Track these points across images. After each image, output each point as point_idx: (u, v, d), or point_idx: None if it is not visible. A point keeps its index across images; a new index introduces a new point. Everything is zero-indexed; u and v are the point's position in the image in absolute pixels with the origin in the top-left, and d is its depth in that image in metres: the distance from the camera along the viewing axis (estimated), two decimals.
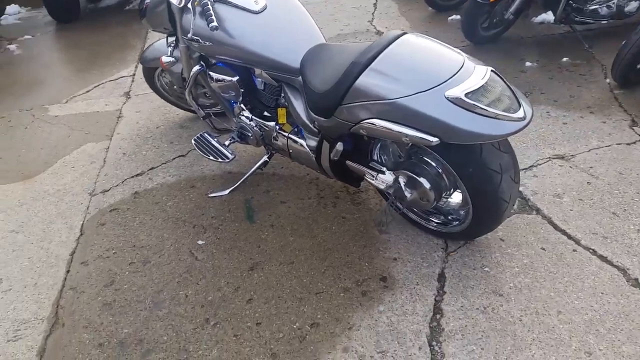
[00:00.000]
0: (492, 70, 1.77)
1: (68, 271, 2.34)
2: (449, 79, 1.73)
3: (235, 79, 2.44)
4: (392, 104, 1.78)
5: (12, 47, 5.29)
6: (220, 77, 2.48)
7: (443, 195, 2.07)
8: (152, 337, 1.97)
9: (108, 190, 2.87)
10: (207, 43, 2.33)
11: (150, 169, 3.01)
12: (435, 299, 2.00)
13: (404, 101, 1.76)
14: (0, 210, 2.80)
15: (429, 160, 2.03)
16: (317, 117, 2.08)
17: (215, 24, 2.14)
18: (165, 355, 1.90)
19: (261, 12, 2.31)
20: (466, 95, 1.68)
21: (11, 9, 6.17)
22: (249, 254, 2.31)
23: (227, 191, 2.72)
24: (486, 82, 1.72)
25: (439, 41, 1.93)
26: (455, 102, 1.69)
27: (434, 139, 1.73)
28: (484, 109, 1.68)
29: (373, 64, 1.86)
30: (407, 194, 2.05)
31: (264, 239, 2.39)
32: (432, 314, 1.95)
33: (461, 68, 1.76)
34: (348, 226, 2.40)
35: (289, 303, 2.05)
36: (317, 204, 2.57)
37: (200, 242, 2.42)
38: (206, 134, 2.72)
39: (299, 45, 2.25)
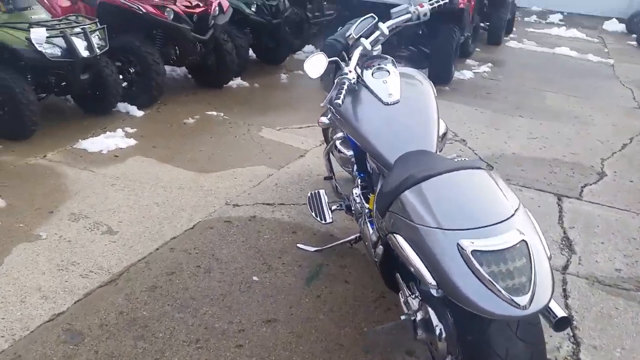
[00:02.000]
0: (524, 241, 1.51)
1: (157, 249, 2.78)
2: (474, 228, 1.56)
3: (349, 154, 2.56)
4: (413, 229, 1.68)
5: (284, 76, 6.35)
6: (342, 149, 2.63)
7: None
8: (152, 330, 2.22)
9: (239, 206, 3.27)
10: (337, 116, 2.51)
11: (280, 204, 3.31)
12: None
13: (422, 231, 1.65)
14: (165, 185, 3.47)
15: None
16: (377, 213, 2.06)
17: (339, 101, 2.30)
18: (146, 346, 2.12)
19: (390, 105, 2.36)
20: (473, 252, 1.49)
21: (307, 48, 7.39)
22: (277, 309, 2.38)
23: (313, 249, 2.83)
24: (506, 249, 1.49)
25: (509, 189, 1.73)
26: (462, 254, 1.51)
27: (433, 283, 1.58)
28: (484, 275, 1.46)
29: (423, 183, 1.77)
30: (418, 332, 1.85)
31: (301, 304, 2.43)
32: None
33: (496, 223, 1.56)
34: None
35: None
36: (373, 300, 2.47)
37: (255, 278, 2.59)
38: (322, 193, 2.88)
39: (404, 144, 2.24)
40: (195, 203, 3.27)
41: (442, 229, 1.60)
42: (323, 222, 2.72)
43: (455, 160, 2.69)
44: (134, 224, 3.00)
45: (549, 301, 1.47)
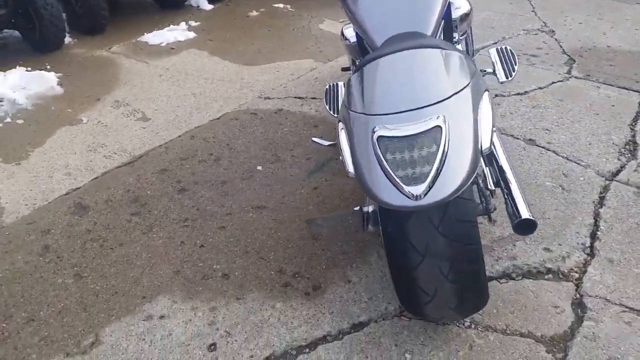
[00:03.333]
0: (439, 127, 1.32)
1: (179, 136, 2.90)
2: (391, 113, 1.40)
3: (352, 41, 2.37)
4: (348, 115, 1.55)
5: None
6: (347, 35, 2.44)
7: None
8: (149, 207, 2.37)
9: (270, 98, 3.25)
10: None
11: (312, 98, 3.22)
12: (320, 338, 1.75)
13: (352, 116, 1.52)
14: (208, 77, 3.54)
15: None
16: None
17: None
18: (139, 220, 2.29)
19: None
20: (379, 138, 1.35)
21: None
22: (270, 198, 2.39)
23: (327, 143, 2.75)
24: (415, 136, 1.31)
25: (461, 71, 1.49)
26: (371, 140, 1.38)
27: (351, 171, 1.47)
28: (384, 163, 1.32)
29: (365, 67, 1.60)
30: (368, 225, 1.76)
31: (294, 194, 2.41)
32: (296, 350, 1.73)
33: (417, 108, 1.38)
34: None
35: (236, 249, 2.12)
36: None
37: (259, 167, 2.60)
38: (340, 85, 2.73)
39: (395, 25, 1.98)
40: (229, 95, 3.30)
41: (365, 114, 1.46)
42: (335, 115, 2.60)
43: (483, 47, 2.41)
44: (167, 112, 3.13)
45: (454, 194, 1.29)
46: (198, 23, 4.43)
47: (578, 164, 2.54)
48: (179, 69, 3.67)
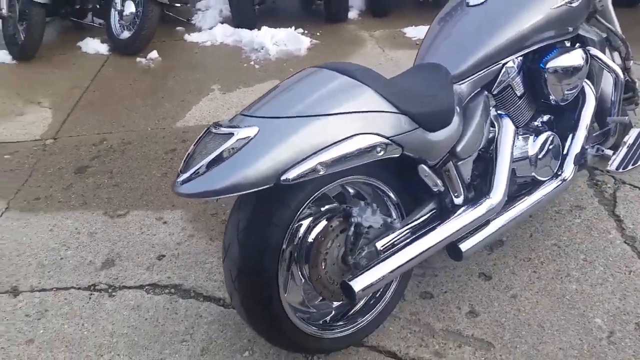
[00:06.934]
0: (232, 134, 1.40)
1: None
2: (241, 114, 1.54)
3: None
4: None
5: None
6: None
7: None
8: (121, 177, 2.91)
9: None
10: None
11: None
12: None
13: None
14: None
15: None
16: None
17: None
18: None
19: (471, 6, 2.02)
20: (206, 129, 1.52)
21: None
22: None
23: None
24: (217, 134, 1.44)
25: (344, 101, 1.49)
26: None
27: None
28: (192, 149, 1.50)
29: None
30: None
31: None
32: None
33: (249, 116, 1.47)
34: None
35: None
36: None
37: None
38: None
39: (435, 53, 1.97)
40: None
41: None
42: None
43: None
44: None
45: (204, 195, 1.38)
46: None
47: None
48: (388, 62, 3.91)
